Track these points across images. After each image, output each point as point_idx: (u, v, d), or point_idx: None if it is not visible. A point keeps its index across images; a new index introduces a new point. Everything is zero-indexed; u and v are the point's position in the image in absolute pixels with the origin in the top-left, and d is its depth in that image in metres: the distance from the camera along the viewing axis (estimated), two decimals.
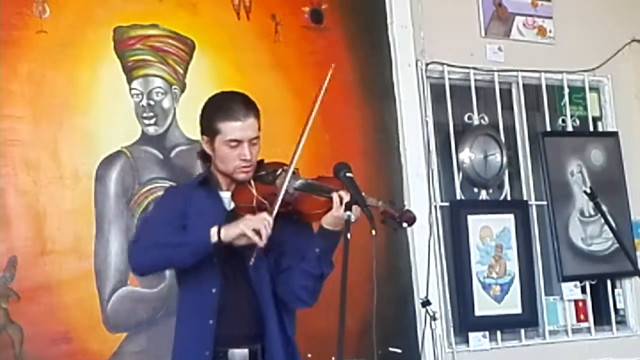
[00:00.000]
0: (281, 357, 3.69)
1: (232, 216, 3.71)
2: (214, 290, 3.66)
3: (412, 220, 3.57)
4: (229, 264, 3.66)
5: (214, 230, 3.53)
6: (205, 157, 3.81)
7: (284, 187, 3.65)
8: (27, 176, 4.62)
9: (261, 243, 3.51)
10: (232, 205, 3.75)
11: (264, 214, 3.55)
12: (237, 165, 3.69)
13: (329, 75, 3.83)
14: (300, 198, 3.70)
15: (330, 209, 3.61)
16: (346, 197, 3.57)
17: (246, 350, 3.67)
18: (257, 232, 3.51)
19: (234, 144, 3.67)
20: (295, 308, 3.79)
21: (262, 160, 3.80)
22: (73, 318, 4.62)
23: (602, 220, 5.52)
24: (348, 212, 3.50)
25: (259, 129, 3.74)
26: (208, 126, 3.72)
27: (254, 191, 3.70)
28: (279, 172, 3.73)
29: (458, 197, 5.89)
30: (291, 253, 3.71)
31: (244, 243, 3.54)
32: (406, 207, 3.68)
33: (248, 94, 3.80)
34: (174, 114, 5.00)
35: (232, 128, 3.66)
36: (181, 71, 5.05)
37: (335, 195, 3.60)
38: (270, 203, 3.65)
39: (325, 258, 3.65)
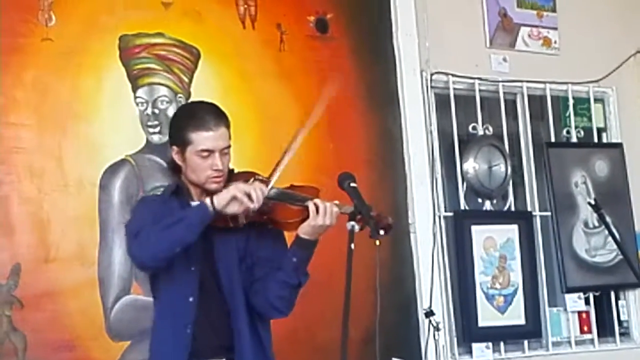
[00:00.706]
0: None
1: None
2: (191, 299, 3.65)
3: (388, 226, 3.55)
4: (204, 273, 3.66)
5: (207, 200, 3.53)
6: (175, 168, 3.78)
7: (267, 189, 3.63)
8: (31, 184, 4.62)
9: (252, 205, 3.52)
10: None
11: (259, 183, 3.57)
12: (208, 175, 3.67)
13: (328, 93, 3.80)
14: (275, 207, 3.69)
15: (305, 218, 3.62)
16: (321, 205, 3.59)
17: None
18: (249, 195, 3.52)
19: (205, 154, 3.65)
20: (271, 318, 3.79)
21: (232, 170, 3.79)
22: (76, 326, 4.61)
23: (606, 232, 5.52)
24: (352, 222, 3.50)
25: (230, 138, 3.72)
26: (179, 136, 3.70)
27: None
28: (250, 181, 3.72)
29: (462, 208, 5.89)
30: (265, 262, 3.71)
31: (236, 209, 3.54)
32: (382, 213, 3.65)
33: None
34: None
35: (204, 138, 3.64)
36: (186, 80, 5.05)
37: (311, 204, 3.61)
38: (243, 215, 3.64)
39: (302, 267, 3.66)
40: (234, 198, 3.52)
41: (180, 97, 5.01)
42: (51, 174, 4.67)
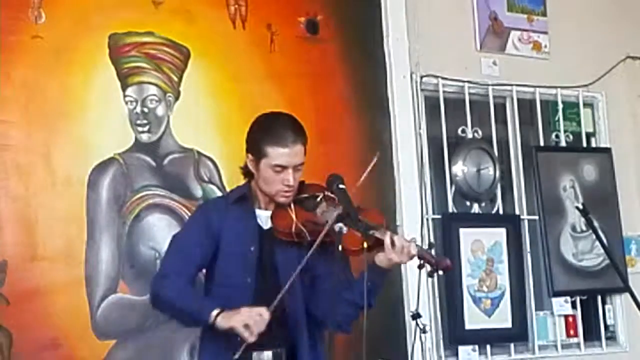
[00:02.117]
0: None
1: (268, 235, 3.77)
2: (249, 280, 3.74)
3: (447, 268, 3.72)
4: (261, 283, 3.73)
5: (214, 312, 3.59)
6: (248, 173, 3.85)
7: (327, 226, 3.63)
8: (19, 181, 4.62)
9: (250, 339, 3.54)
10: (269, 224, 3.77)
11: (262, 309, 3.57)
12: (279, 189, 3.74)
13: (373, 163, 3.83)
14: (346, 236, 3.65)
15: (370, 245, 3.62)
16: (398, 241, 3.63)
17: (270, 353, 3.72)
18: (248, 327, 3.54)
19: (278, 169, 3.71)
20: (332, 331, 3.81)
21: (302, 182, 3.82)
22: (62, 324, 4.61)
23: (594, 236, 5.52)
24: (340, 224, 3.52)
25: (305, 154, 3.77)
26: (255, 147, 3.76)
27: (293, 216, 3.74)
28: (319, 198, 3.76)
29: (450, 210, 5.89)
30: (325, 277, 3.73)
31: (236, 332, 3.58)
32: (441, 256, 3.81)
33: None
34: (168, 121, 5.00)
35: (279, 154, 3.70)
36: (176, 79, 5.05)
37: (387, 238, 3.64)
38: (309, 232, 3.69)
39: (374, 292, 3.69)
40: (232, 328, 3.56)
41: (169, 96, 5.01)
42: (39, 171, 4.67)
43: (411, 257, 3.68)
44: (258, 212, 3.82)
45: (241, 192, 3.88)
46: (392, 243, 3.64)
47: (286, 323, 3.75)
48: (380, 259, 3.67)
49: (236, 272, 3.74)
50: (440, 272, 3.73)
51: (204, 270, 3.87)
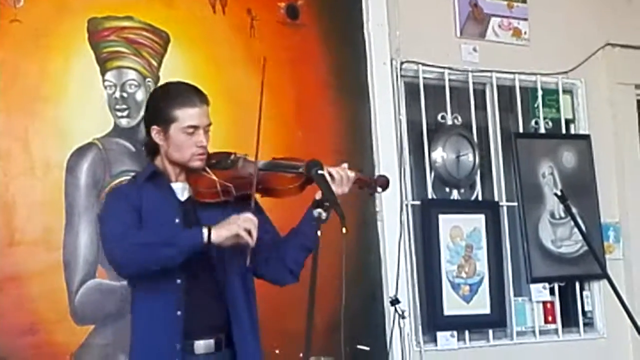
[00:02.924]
0: (252, 342, 3.74)
1: (187, 205, 3.73)
2: (178, 281, 3.65)
3: (386, 184, 3.76)
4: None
5: (205, 230, 3.51)
6: (152, 150, 3.79)
7: (257, 166, 3.67)
8: None
9: (252, 243, 3.53)
10: (186, 194, 3.75)
11: (249, 214, 3.55)
12: (194, 152, 3.70)
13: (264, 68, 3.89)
14: (269, 177, 3.74)
15: (302, 183, 3.68)
16: (336, 174, 3.67)
17: (212, 341, 3.67)
18: (249, 232, 3.52)
19: (191, 130, 3.68)
20: (283, 284, 3.82)
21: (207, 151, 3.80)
22: (40, 309, 4.60)
23: (572, 223, 5.54)
24: (319, 210, 3.51)
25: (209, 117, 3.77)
26: (162, 115, 3.70)
27: (213, 177, 3.71)
28: (232, 157, 3.76)
29: (429, 197, 5.91)
30: (262, 235, 3.66)
31: (232, 243, 3.54)
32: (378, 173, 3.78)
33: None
34: None
35: (190, 115, 3.68)
36: (155, 64, 5.03)
37: (326, 171, 3.65)
38: (235, 186, 3.68)
39: (315, 232, 3.62)
40: (236, 235, 3.52)
41: (149, 81, 5.00)
42: (17, 156, 4.64)
43: (352, 182, 3.70)
44: (172, 185, 3.76)
45: (150, 169, 3.81)
46: (331, 175, 3.65)
47: (224, 301, 3.70)
48: (321, 194, 3.64)
49: None
50: (380, 190, 3.76)
51: None
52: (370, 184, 3.79)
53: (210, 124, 3.76)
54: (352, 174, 3.72)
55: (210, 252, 3.60)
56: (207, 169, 3.74)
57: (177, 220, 3.70)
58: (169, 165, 3.76)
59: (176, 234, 3.62)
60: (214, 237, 3.51)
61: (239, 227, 3.51)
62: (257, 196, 3.76)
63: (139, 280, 3.70)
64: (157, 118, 3.73)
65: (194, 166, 3.72)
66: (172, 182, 3.76)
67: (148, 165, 3.86)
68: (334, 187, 3.62)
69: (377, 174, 3.82)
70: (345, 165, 3.76)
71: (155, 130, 3.72)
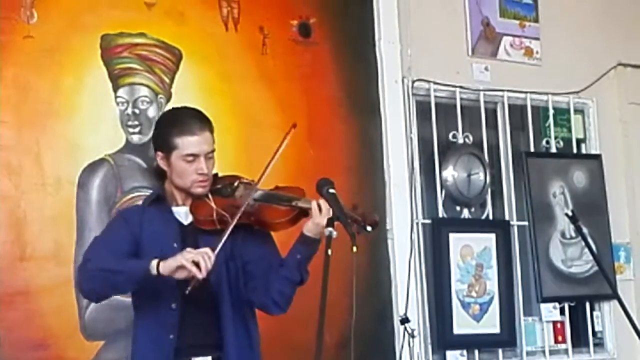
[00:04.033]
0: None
1: (189, 230, 3.76)
2: (173, 306, 3.70)
3: (375, 223, 3.63)
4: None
5: (154, 262, 3.53)
6: (160, 174, 3.84)
7: (249, 199, 3.70)
8: (9, 181, 4.60)
9: (200, 275, 3.51)
10: (190, 219, 3.78)
11: (206, 249, 3.55)
12: (194, 179, 3.74)
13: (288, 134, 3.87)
14: (262, 209, 3.75)
15: (294, 217, 3.69)
16: (324, 205, 3.63)
17: (209, 358, 3.71)
18: (196, 264, 3.51)
19: (190, 158, 3.71)
20: (270, 313, 3.83)
21: (216, 174, 3.84)
22: (51, 325, 4.59)
23: (583, 243, 5.53)
24: (329, 229, 3.51)
25: (214, 142, 3.79)
26: (163, 142, 3.76)
27: (212, 204, 3.76)
28: (235, 184, 3.78)
29: (440, 215, 5.89)
30: (258, 261, 3.76)
31: (184, 276, 3.54)
32: (367, 211, 3.72)
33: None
34: None
35: (189, 143, 3.71)
36: (167, 81, 5.04)
37: (314, 204, 3.65)
38: (230, 215, 3.70)
39: (304, 265, 3.70)
40: (181, 267, 3.52)
41: (161, 97, 5.01)
42: (29, 171, 4.65)
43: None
44: (176, 209, 3.81)
45: (155, 194, 3.89)
46: (319, 208, 3.64)
47: (214, 316, 3.73)
48: (309, 227, 3.67)
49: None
50: (369, 229, 3.64)
51: None
52: (358, 221, 3.64)
53: (212, 151, 3.78)
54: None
55: (207, 279, 3.60)
56: (209, 196, 3.78)
57: (175, 245, 3.73)
58: (175, 189, 3.81)
59: (127, 263, 3.64)
60: (161, 269, 3.52)
61: (186, 260, 3.50)
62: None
63: (135, 306, 3.81)
64: (160, 144, 3.79)
65: (195, 192, 3.76)
66: (177, 206, 3.81)
67: (155, 188, 3.93)
68: (319, 219, 3.62)
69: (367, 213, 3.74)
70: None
71: (159, 156, 3.79)
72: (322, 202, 3.65)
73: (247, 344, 3.78)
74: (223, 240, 3.64)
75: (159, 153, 3.78)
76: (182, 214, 3.80)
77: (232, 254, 3.76)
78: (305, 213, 3.70)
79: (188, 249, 3.56)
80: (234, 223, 3.66)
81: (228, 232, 3.65)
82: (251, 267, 3.79)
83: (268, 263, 3.76)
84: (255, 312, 3.89)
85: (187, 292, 3.56)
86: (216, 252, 3.58)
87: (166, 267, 3.53)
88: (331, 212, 3.63)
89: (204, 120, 3.79)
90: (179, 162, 3.72)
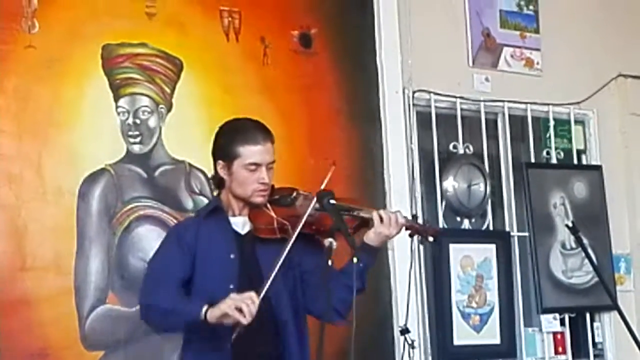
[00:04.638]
0: None
1: (247, 239, 3.78)
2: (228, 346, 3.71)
3: (437, 233, 3.85)
4: (245, 287, 3.70)
5: (205, 307, 3.60)
6: (219, 183, 3.88)
7: (309, 208, 3.75)
8: (10, 191, 4.60)
9: (244, 321, 3.55)
10: (247, 228, 3.80)
11: (251, 293, 3.59)
12: (255, 188, 3.79)
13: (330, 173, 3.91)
14: (322, 218, 3.80)
15: (356, 227, 3.78)
16: (385, 215, 3.75)
17: None
18: (240, 310, 3.55)
19: (253, 167, 3.78)
20: (331, 321, 3.82)
21: (273, 185, 3.87)
22: (51, 335, 4.59)
23: (583, 254, 5.53)
24: (330, 239, 3.53)
25: (274, 153, 3.86)
26: (226, 151, 3.82)
27: (272, 214, 3.79)
28: (294, 195, 3.81)
29: (440, 226, 5.89)
30: (315, 271, 3.79)
31: (230, 322, 3.59)
32: (429, 223, 3.83)
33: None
34: (160, 133, 5.00)
35: (253, 152, 3.78)
36: (168, 91, 5.04)
37: (375, 214, 3.76)
38: (291, 225, 3.75)
39: (365, 273, 3.77)
40: (225, 315, 3.57)
41: (161, 107, 5.01)
42: (30, 181, 4.65)
43: (401, 227, 3.80)
44: (233, 219, 3.86)
45: (212, 205, 3.95)
46: (381, 217, 3.74)
47: (274, 324, 3.79)
48: (370, 236, 3.78)
49: (217, 281, 3.77)
50: (431, 239, 3.83)
51: None
52: (421, 232, 3.85)
53: (273, 162, 3.84)
54: (402, 219, 3.80)
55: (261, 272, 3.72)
56: (268, 205, 3.82)
57: (232, 256, 3.79)
58: (233, 199, 3.86)
59: (180, 304, 3.71)
60: (208, 317, 3.59)
61: (228, 307, 3.56)
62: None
63: (187, 339, 3.87)
64: (222, 153, 3.84)
65: (255, 202, 3.82)
66: (234, 216, 3.86)
67: (213, 199, 4.02)
68: (381, 228, 3.74)
69: (428, 223, 3.96)
70: (399, 210, 3.88)
71: (220, 165, 3.84)
72: (383, 212, 3.78)
73: (304, 353, 3.84)
74: (277, 267, 3.68)
75: (220, 162, 3.84)
76: (240, 223, 3.85)
77: (291, 264, 3.80)
78: (365, 223, 3.80)
79: (232, 295, 3.61)
80: (296, 233, 3.71)
81: (289, 246, 3.69)
82: (308, 276, 3.85)
83: (326, 272, 3.72)
84: (307, 321, 3.93)
85: (232, 337, 3.62)
86: (261, 295, 3.61)
87: (212, 316, 3.59)
88: (393, 221, 3.74)
89: (267, 132, 3.86)
90: (241, 170, 3.78)
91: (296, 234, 3.70)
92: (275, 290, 3.75)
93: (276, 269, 3.67)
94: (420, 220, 3.88)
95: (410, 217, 3.91)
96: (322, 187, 3.82)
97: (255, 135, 3.80)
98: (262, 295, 3.61)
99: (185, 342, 3.89)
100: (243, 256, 3.79)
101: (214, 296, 3.69)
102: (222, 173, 3.84)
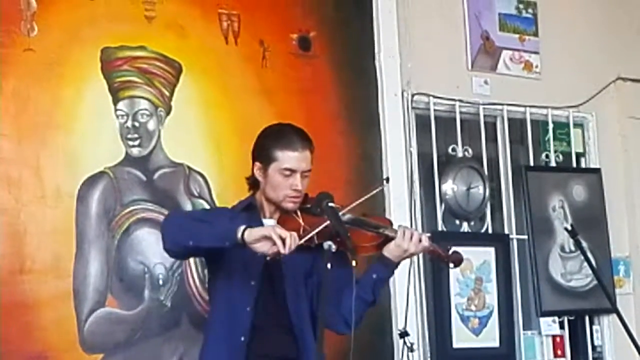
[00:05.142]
0: None
1: None
2: (248, 309, 3.77)
3: (459, 262, 3.90)
4: (266, 288, 3.78)
5: (242, 227, 3.57)
6: (253, 184, 3.92)
7: (324, 223, 3.73)
8: (9, 194, 4.60)
9: (283, 250, 3.54)
10: None
11: (293, 232, 3.60)
12: (287, 194, 3.83)
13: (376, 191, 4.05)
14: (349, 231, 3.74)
15: (378, 244, 3.81)
16: (409, 232, 3.80)
17: None
18: (283, 240, 3.54)
19: (287, 172, 3.81)
20: (339, 331, 3.87)
21: (306, 194, 3.88)
22: (50, 338, 4.59)
23: (582, 257, 5.53)
24: (328, 242, 3.54)
25: (311, 163, 3.90)
26: (264, 153, 3.85)
27: (300, 220, 3.80)
28: (323, 205, 3.80)
29: (439, 229, 5.89)
30: (332, 282, 3.72)
31: (266, 250, 3.57)
32: (452, 249, 3.92)
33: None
34: (159, 136, 5.00)
35: (289, 157, 3.82)
36: (167, 94, 5.04)
37: (401, 229, 3.80)
38: (317, 234, 3.74)
39: (379, 285, 3.82)
40: (266, 237, 3.57)
41: (160, 110, 5.01)
42: (29, 184, 4.65)
43: (423, 248, 3.83)
44: (265, 220, 3.88)
45: (247, 201, 3.97)
46: (404, 233, 3.77)
47: (292, 332, 3.81)
48: (390, 249, 3.80)
49: (240, 275, 3.80)
50: (452, 266, 3.91)
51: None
52: (442, 258, 3.89)
53: (309, 170, 3.88)
54: (425, 242, 3.83)
55: (285, 289, 3.75)
56: (298, 212, 3.85)
57: (258, 255, 3.76)
58: (265, 201, 3.90)
59: (217, 217, 3.76)
60: (246, 235, 3.56)
61: (274, 231, 3.55)
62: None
63: (213, 299, 3.91)
64: (260, 155, 3.88)
65: (286, 207, 3.85)
66: (264, 218, 3.89)
67: (248, 197, 3.99)
68: (401, 241, 3.77)
69: (452, 250, 3.94)
70: (427, 234, 3.92)
71: (257, 166, 3.88)
72: (408, 229, 3.81)
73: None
74: (313, 233, 3.69)
75: (257, 164, 3.88)
76: (269, 225, 3.83)
77: (311, 271, 3.84)
78: (388, 240, 3.81)
79: (276, 225, 3.65)
80: (312, 233, 3.70)
81: (316, 231, 3.69)
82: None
83: (342, 284, 3.77)
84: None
85: (267, 259, 3.62)
86: (302, 240, 3.63)
87: (253, 233, 3.56)
88: (416, 240, 3.78)
89: (307, 140, 3.91)
90: (276, 175, 3.82)
91: (311, 234, 3.70)
92: (293, 296, 3.78)
93: (314, 231, 3.69)
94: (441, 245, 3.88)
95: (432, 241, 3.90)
96: (359, 201, 3.89)
97: (294, 142, 3.84)
98: (302, 241, 3.62)
99: (206, 328, 3.94)
100: (267, 260, 3.79)
101: (233, 292, 3.75)
102: (258, 174, 3.88)
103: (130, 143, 4.93)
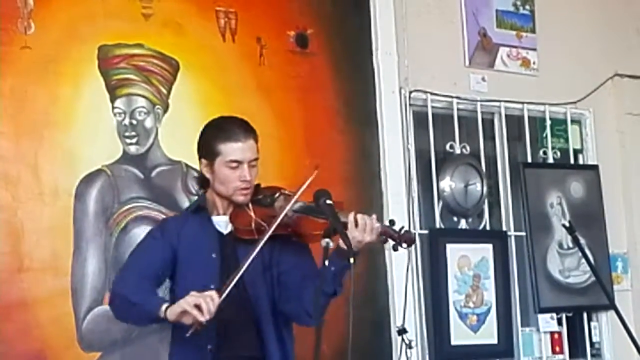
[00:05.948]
0: None
1: (229, 239, 3.78)
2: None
3: (411, 241, 3.74)
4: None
5: (163, 307, 3.61)
6: (203, 182, 3.90)
7: (285, 210, 3.72)
8: (6, 192, 4.59)
9: (202, 318, 3.53)
10: (230, 228, 3.80)
11: (212, 292, 3.58)
12: (237, 186, 3.79)
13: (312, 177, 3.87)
14: (299, 220, 3.78)
15: (332, 230, 3.70)
16: (361, 219, 3.68)
17: None
18: (198, 307, 3.53)
19: (234, 164, 3.77)
20: (302, 324, 3.85)
21: (258, 185, 3.88)
22: (48, 336, 4.58)
23: (580, 253, 5.53)
24: (326, 239, 3.53)
25: (258, 151, 3.85)
26: (208, 149, 3.83)
27: (252, 214, 3.79)
28: (276, 195, 3.80)
29: (437, 226, 5.90)
30: (293, 271, 3.80)
31: (190, 321, 3.57)
32: (404, 228, 3.77)
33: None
34: (156, 134, 4.99)
35: (233, 149, 3.78)
36: (165, 91, 5.04)
37: (351, 217, 3.70)
38: (268, 225, 3.72)
39: (339, 277, 3.72)
40: (184, 312, 3.57)
41: (158, 108, 5.01)
42: (26, 182, 4.64)
43: (377, 234, 3.71)
44: (217, 218, 3.87)
45: (197, 202, 3.97)
46: (356, 222, 3.68)
47: (254, 326, 3.79)
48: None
49: (198, 280, 3.76)
50: (404, 246, 3.74)
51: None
52: (395, 239, 3.77)
53: (256, 159, 3.83)
54: (377, 225, 3.72)
55: (245, 284, 3.71)
56: (249, 205, 3.82)
57: (213, 255, 3.80)
58: (217, 198, 3.87)
59: (145, 297, 3.72)
60: (168, 315, 3.61)
61: (187, 303, 3.55)
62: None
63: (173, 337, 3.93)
64: (204, 151, 3.87)
65: (237, 200, 3.82)
66: (218, 215, 3.86)
67: (198, 197, 4.01)
68: (356, 233, 3.65)
69: (404, 230, 3.80)
70: (373, 216, 3.76)
71: (203, 164, 3.86)
72: (360, 216, 3.69)
73: (284, 355, 3.83)
74: (299, 194, 3.70)
75: (203, 160, 3.86)
76: (222, 223, 3.86)
77: (269, 264, 3.82)
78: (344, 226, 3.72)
79: (192, 293, 3.59)
80: (268, 234, 3.68)
81: (259, 246, 3.66)
82: (285, 277, 3.83)
83: (302, 274, 3.79)
84: (292, 324, 3.92)
85: (187, 335, 3.59)
86: (222, 297, 3.59)
87: (172, 313, 3.59)
88: (369, 227, 3.68)
89: (249, 129, 3.86)
90: (223, 168, 3.79)
91: (268, 234, 3.68)
92: (255, 291, 3.77)
93: (242, 270, 3.64)
94: (397, 226, 3.77)
95: (388, 223, 3.79)
96: (299, 192, 3.78)
97: (236, 133, 3.81)
98: (224, 295, 3.59)
99: (172, 340, 3.92)
100: (224, 256, 3.80)
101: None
102: (206, 171, 3.86)
103: (128, 141, 4.93)
